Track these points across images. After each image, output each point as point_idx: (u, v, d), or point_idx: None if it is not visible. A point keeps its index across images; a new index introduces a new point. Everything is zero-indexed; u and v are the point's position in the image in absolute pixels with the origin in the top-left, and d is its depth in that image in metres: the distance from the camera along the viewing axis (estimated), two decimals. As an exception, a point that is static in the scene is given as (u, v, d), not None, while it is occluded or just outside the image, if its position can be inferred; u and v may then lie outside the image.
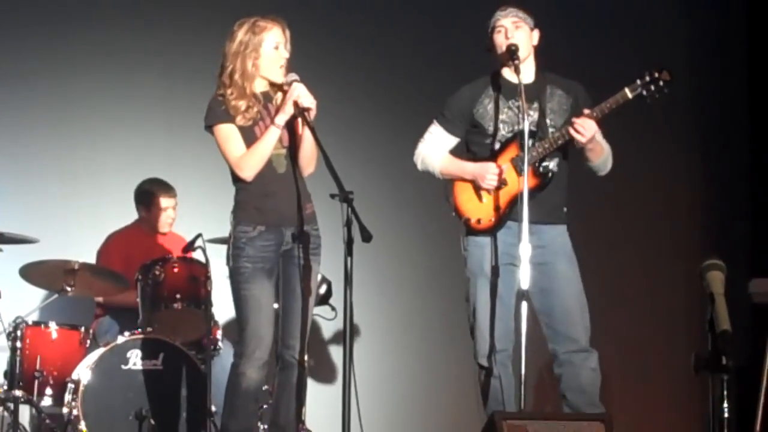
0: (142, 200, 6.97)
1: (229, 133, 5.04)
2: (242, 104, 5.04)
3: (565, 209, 5.36)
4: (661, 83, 5.25)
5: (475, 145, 5.38)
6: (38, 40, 7.44)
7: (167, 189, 6.96)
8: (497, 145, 5.30)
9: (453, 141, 5.41)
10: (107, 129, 7.48)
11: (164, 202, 6.93)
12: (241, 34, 5.05)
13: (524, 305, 5.01)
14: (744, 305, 5.37)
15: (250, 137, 5.04)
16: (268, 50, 5.06)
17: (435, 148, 5.40)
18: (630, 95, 5.22)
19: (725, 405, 3.38)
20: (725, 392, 3.36)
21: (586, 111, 5.21)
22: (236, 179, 5.10)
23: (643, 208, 7.89)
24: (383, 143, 7.53)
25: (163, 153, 7.45)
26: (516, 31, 5.26)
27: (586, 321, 5.25)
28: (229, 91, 5.04)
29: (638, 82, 5.24)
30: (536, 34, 5.33)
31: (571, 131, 5.18)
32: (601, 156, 5.35)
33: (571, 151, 5.35)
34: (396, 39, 7.82)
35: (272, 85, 5.11)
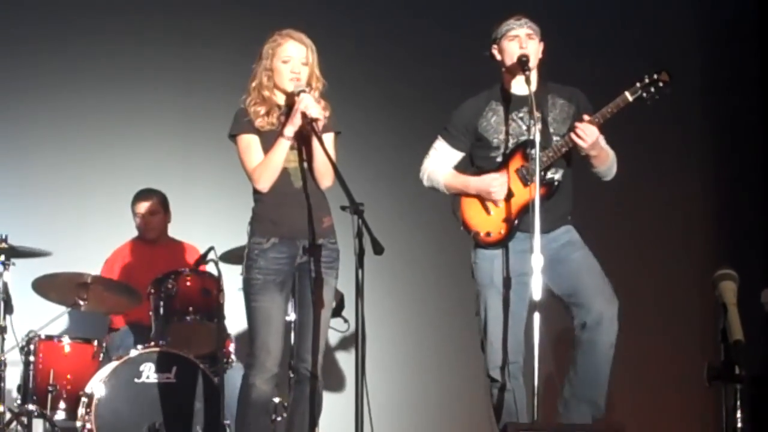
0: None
1: (249, 144, 5.08)
2: (261, 110, 5.09)
3: (569, 217, 5.35)
4: (661, 84, 5.25)
5: (480, 159, 5.37)
6: (50, 54, 7.47)
7: (141, 195, 6.97)
8: (502, 158, 5.30)
9: (458, 156, 5.41)
10: (120, 142, 7.50)
11: (137, 207, 6.96)
12: (265, 44, 5.14)
13: (537, 316, 5.00)
14: (757, 315, 5.36)
15: (270, 143, 5.06)
16: (277, 63, 5.10)
17: (440, 164, 5.40)
18: (630, 98, 5.22)
19: (739, 414, 3.37)
20: (738, 402, 3.36)
21: (587, 117, 5.20)
22: (254, 190, 5.12)
23: (656, 217, 7.87)
24: (394, 155, 7.53)
25: (176, 167, 7.46)
26: (529, 42, 5.27)
27: (612, 294, 5.19)
28: (249, 99, 5.11)
29: (638, 84, 5.25)
30: (541, 47, 5.33)
31: (573, 137, 5.18)
32: (606, 162, 5.34)
33: (575, 160, 5.35)
34: (410, 51, 7.83)
35: (287, 96, 5.14)
